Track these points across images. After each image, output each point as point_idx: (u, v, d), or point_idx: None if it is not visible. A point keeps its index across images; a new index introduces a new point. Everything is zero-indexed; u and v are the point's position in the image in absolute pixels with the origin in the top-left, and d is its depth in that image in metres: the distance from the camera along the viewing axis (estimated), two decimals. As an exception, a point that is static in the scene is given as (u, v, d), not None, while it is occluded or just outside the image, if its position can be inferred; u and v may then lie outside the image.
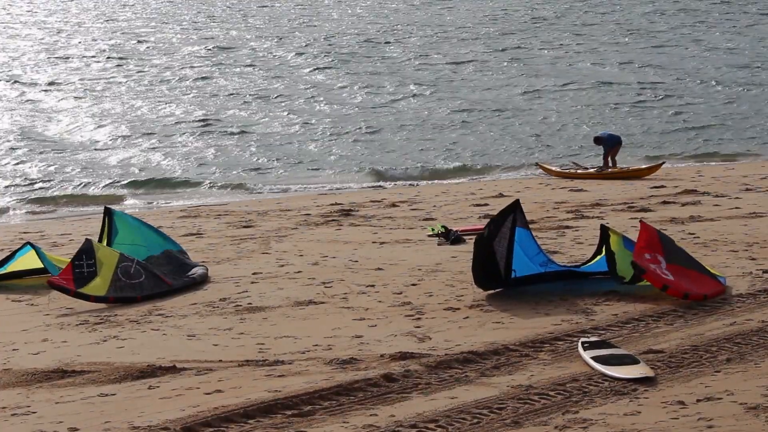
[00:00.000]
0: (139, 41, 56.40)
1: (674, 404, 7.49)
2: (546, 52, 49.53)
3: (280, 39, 56.00)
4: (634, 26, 59.47)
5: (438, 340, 9.45)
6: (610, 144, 24.26)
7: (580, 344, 8.88)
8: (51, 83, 41.69)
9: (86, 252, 11.70)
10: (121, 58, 48.79)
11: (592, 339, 9.10)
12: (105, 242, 12.96)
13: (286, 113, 35.23)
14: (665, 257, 10.95)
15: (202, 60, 48.54)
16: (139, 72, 44.91)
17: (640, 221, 11.51)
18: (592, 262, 11.67)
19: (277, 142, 30.68)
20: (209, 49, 51.77)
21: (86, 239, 12.12)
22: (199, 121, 33.76)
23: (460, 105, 36.08)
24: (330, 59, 47.80)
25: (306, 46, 53.00)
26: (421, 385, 8.08)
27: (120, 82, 42.10)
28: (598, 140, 24.69)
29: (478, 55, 48.41)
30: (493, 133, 31.64)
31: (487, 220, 11.55)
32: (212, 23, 66.84)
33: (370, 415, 7.44)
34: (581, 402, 7.62)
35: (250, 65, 46.54)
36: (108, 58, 49.22)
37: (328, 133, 31.93)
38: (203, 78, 43.06)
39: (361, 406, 7.65)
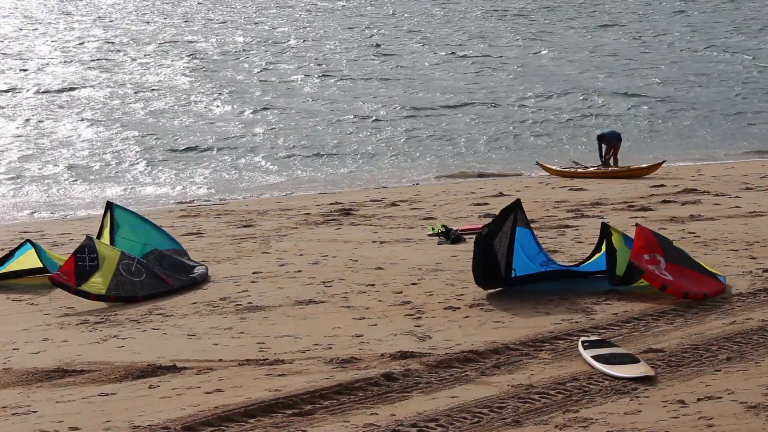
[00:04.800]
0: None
1: (674, 403, 7.49)
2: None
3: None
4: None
5: (438, 339, 9.45)
6: (614, 141, 24.27)
7: (580, 343, 8.88)
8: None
9: (88, 247, 11.70)
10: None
11: (593, 338, 9.10)
12: (107, 235, 12.98)
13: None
14: (664, 257, 10.96)
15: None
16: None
17: (636, 224, 11.51)
18: (592, 259, 11.67)
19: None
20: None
21: (87, 236, 12.13)
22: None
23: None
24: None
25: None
26: (421, 384, 8.09)
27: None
28: (601, 138, 24.66)
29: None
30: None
31: (488, 220, 11.56)
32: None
33: (371, 414, 7.44)
34: (582, 401, 7.62)
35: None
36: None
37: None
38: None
39: (362, 405, 7.65)
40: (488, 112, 34.82)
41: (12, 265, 12.80)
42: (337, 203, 19.90)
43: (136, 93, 38.95)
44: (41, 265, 12.49)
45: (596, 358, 8.46)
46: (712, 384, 7.90)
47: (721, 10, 65.70)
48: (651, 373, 8.14)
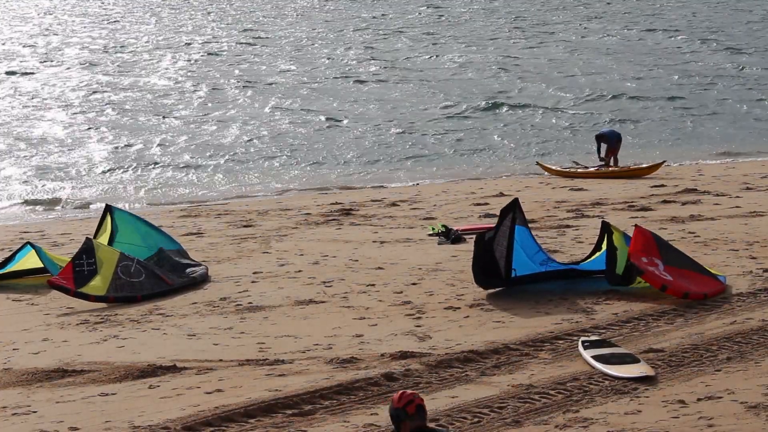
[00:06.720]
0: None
1: (675, 403, 7.49)
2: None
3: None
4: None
5: (438, 339, 9.45)
6: (613, 141, 24.24)
7: (580, 343, 8.88)
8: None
9: (86, 251, 11.72)
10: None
11: (593, 338, 9.10)
12: (106, 238, 12.96)
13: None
14: (662, 259, 10.97)
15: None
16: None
17: (635, 225, 11.50)
18: (592, 258, 11.68)
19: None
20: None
21: (87, 238, 12.14)
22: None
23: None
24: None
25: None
26: (421, 384, 8.09)
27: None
28: (601, 137, 24.62)
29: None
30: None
31: (488, 219, 11.56)
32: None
33: (371, 414, 7.45)
34: (582, 401, 7.63)
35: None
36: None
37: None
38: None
39: (362, 405, 7.66)
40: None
41: (13, 268, 12.79)
42: (337, 203, 19.89)
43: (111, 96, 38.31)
44: (42, 265, 12.48)
45: (596, 358, 8.46)
46: (712, 384, 7.90)
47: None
48: (651, 373, 8.14)
